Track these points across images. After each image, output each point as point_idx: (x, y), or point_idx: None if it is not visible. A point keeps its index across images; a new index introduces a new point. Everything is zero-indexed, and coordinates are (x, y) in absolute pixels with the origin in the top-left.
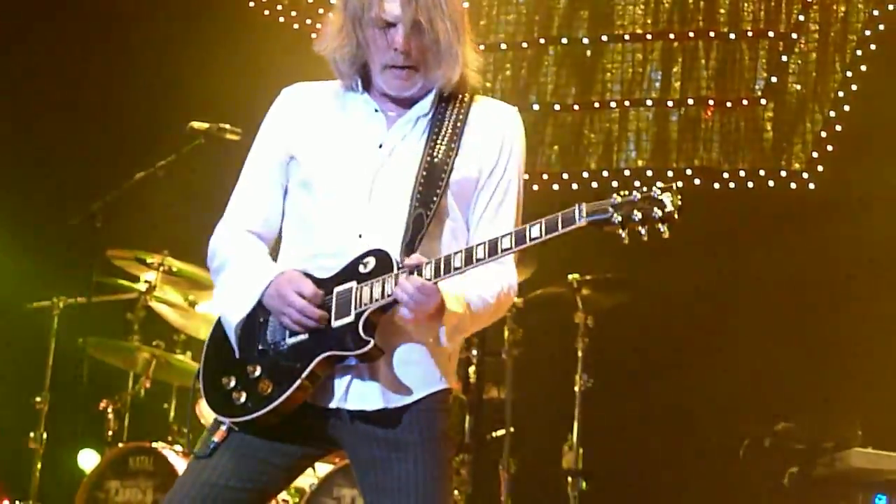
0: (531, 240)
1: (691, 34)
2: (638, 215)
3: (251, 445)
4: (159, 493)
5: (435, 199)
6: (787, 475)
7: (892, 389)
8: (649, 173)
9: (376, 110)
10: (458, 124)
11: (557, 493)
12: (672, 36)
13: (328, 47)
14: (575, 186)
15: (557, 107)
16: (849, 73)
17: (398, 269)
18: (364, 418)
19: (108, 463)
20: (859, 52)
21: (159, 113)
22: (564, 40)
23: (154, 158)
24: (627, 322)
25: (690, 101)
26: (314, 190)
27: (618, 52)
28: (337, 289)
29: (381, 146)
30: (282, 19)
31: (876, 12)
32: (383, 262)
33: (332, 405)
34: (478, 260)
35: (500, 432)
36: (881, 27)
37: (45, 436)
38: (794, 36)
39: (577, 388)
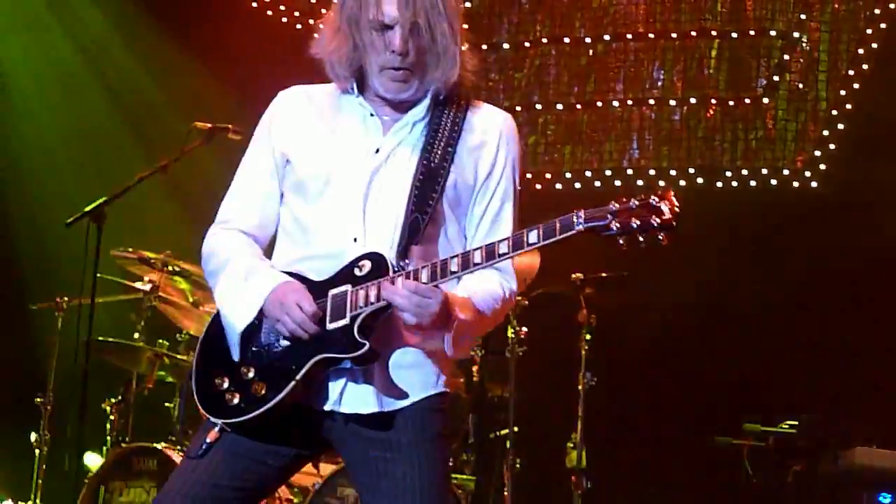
0: (528, 245)
1: (693, 33)
2: (636, 223)
3: (244, 446)
4: None
5: (431, 203)
6: (791, 473)
7: None
8: (652, 172)
9: (372, 114)
10: (455, 129)
11: (561, 492)
12: (674, 35)
13: (324, 49)
14: (578, 185)
15: (560, 106)
16: (851, 72)
17: (394, 272)
18: (358, 420)
19: (111, 463)
20: (861, 51)
21: (162, 113)
22: (567, 39)
23: (157, 158)
24: (631, 321)
25: (693, 100)
26: (309, 193)
27: (620, 51)
28: (332, 292)
29: (377, 151)
30: (285, 19)
31: (878, 11)
32: (379, 266)
33: (327, 408)
34: (475, 264)
35: (504, 431)
36: (882, 26)
37: (48, 436)
38: (797, 35)
39: (580, 387)
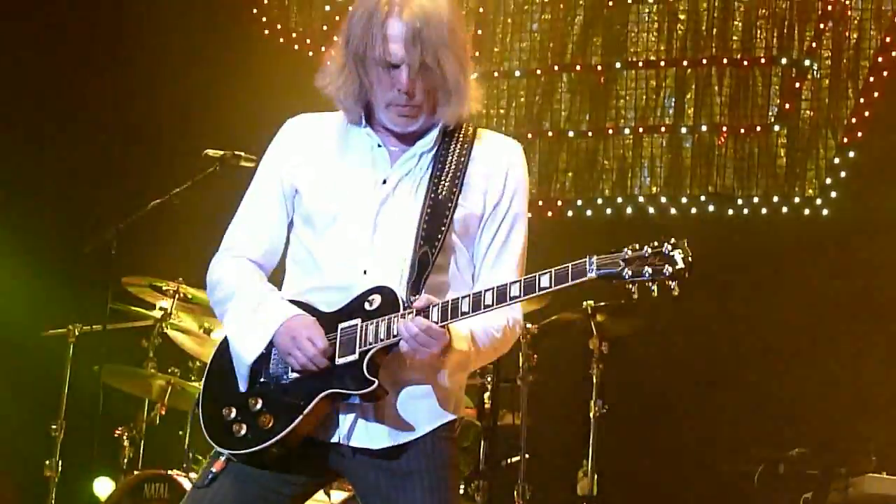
0: (540, 289)
1: (704, 61)
2: (648, 271)
3: (251, 475)
4: None
5: (440, 237)
6: (801, 501)
7: None
8: (663, 199)
9: (379, 145)
10: (462, 160)
11: None
12: (685, 63)
13: (330, 84)
14: (589, 213)
15: (571, 133)
16: (861, 100)
17: (405, 309)
18: (368, 452)
19: (123, 490)
20: (871, 79)
21: (174, 140)
22: (578, 67)
23: (169, 186)
24: (642, 348)
25: (704, 128)
26: (317, 224)
27: (631, 78)
28: (342, 325)
29: (384, 182)
30: (296, 47)
31: (888, 39)
32: (389, 301)
33: (335, 440)
34: (486, 306)
35: (516, 458)
36: (893, 54)
37: (60, 463)
38: (807, 63)
39: (592, 415)
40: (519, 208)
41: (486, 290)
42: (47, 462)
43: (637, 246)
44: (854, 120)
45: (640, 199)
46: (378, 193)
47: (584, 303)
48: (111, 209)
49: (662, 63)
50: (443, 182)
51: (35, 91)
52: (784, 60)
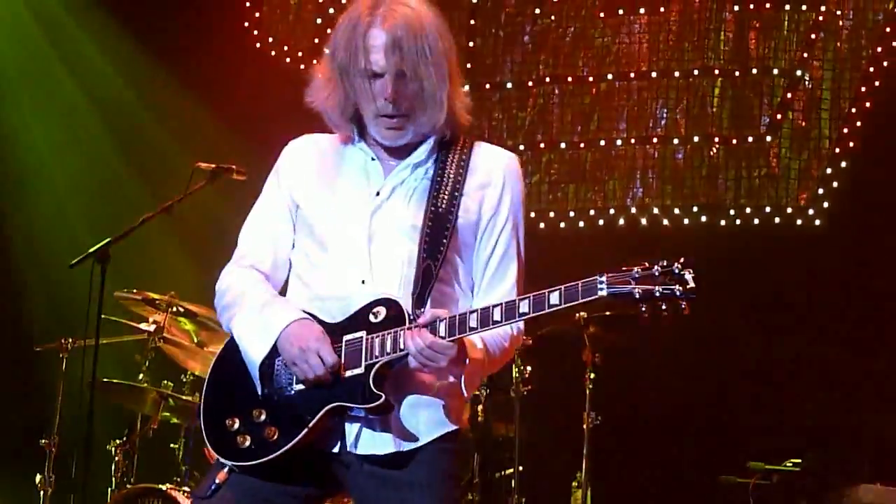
0: (549, 307)
1: (696, 72)
2: (658, 291)
3: (253, 486)
4: None
5: (441, 249)
6: None
7: None
8: (655, 210)
9: (373, 158)
10: (460, 172)
11: None
12: (677, 74)
13: (318, 98)
14: (581, 224)
15: (563, 145)
16: (854, 110)
17: (410, 322)
18: (373, 461)
19: None
20: (864, 89)
21: (165, 153)
22: (570, 79)
23: (160, 199)
24: (635, 360)
25: (696, 139)
26: (317, 238)
27: (623, 90)
28: (346, 337)
29: (377, 193)
30: (288, 59)
31: (880, 49)
32: (394, 314)
33: (339, 449)
34: (494, 322)
35: (509, 470)
36: (885, 64)
37: (53, 477)
38: (799, 73)
39: (585, 426)
40: (517, 219)
41: (494, 306)
42: (39, 476)
43: (647, 264)
44: (846, 130)
45: (633, 210)
46: (371, 204)
47: (577, 315)
48: (103, 222)
49: (654, 74)
50: (442, 194)
51: (30, 105)
52: (776, 71)
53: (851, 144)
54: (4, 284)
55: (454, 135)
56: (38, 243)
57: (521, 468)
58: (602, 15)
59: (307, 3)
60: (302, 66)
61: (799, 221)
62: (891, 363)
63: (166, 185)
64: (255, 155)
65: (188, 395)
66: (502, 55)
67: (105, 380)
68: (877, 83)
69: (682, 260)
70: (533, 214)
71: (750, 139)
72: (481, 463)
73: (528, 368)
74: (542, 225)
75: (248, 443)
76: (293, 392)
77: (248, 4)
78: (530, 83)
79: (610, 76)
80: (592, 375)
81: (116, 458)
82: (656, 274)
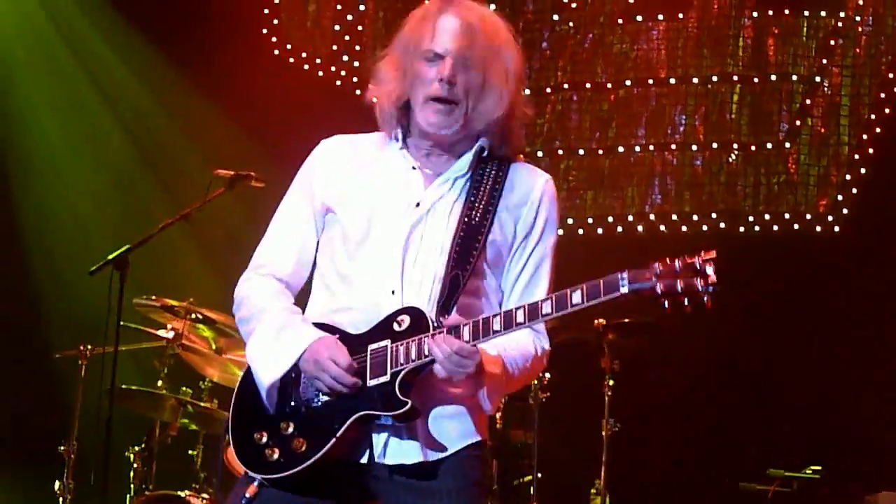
0: (572, 306)
1: (715, 78)
2: (680, 285)
3: (284, 499)
4: None
5: (471, 260)
6: None
7: None
8: (674, 217)
9: (414, 167)
10: (496, 187)
11: None
12: (696, 80)
13: (376, 89)
14: (600, 231)
15: (582, 151)
16: (872, 116)
17: (434, 328)
18: (402, 471)
19: None
20: (882, 95)
21: (184, 160)
22: (588, 85)
23: (179, 206)
24: (653, 366)
25: (715, 145)
26: (349, 244)
27: (642, 96)
28: (371, 346)
29: (418, 204)
30: (307, 66)
31: None
32: (418, 322)
33: (368, 460)
34: (517, 324)
35: (528, 477)
36: None
37: (71, 484)
38: (818, 79)
39: (604, 433)
40: (549, 242)
41: (517, 308)
42: (58, 483)
43: (668, 260)
44: (865, 137)
45: (652, 216)
46: (411, 215)
47: (596, 321)
48: (122, 229)
49: (673, 81)
50: (476, 207)
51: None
52: (795, 77)
53: (871, 151)
54: (23, 291)
55: (497, 149)
56: (57, 250)
57: (539, 475)
58: (620, 21)
59: (325, 10)
60: (320, 73)
61: (818, 228)
62: None
63: (185, 191)
64: (274, 162)
65: (206, 401)
66: None
67: (124, 386)
68: None
69: (703, 254)
70: None
71: (769, 145)
72: (500, 470)
73: (547, 376)
74: (560, 231)
75: (276, 455)
76: (320, 403)
77: (266, 11)
78: (549, 89)
79: (628, 82)
80: (611, 382)
81: (135, 465)
82: (678, 269)
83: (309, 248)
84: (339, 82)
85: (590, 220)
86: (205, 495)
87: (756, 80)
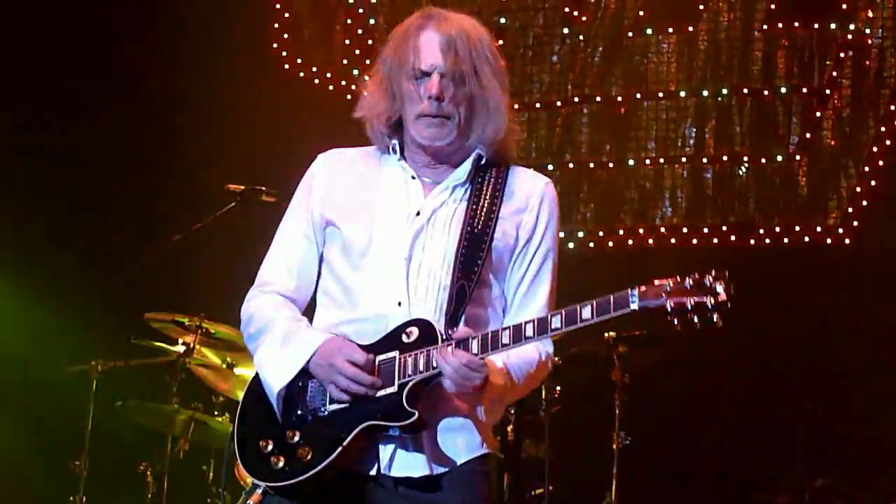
0: (582, 321)
1: (725, 91)
2: (691, 303)
3: None
4: None
5: (476, 269)
6: None
7: None
8: (685, 230)
9: (413, 177)
10: (497, 194)
11: None
12: (706, 93)
13: (365, 107)
14: (610, 244)
15: (592, 164)
16: (882, 129)
17: (443, 341)
18: (407, 484)
19: None
20: (892, 107)
21: (195, 175)
22: (598, 98)
23: (190, 221)
24: (664, 379)
25: (725, 158)
26: (352, 256)
27: (652, 109)
28: (379, 357)
29: (418, 213)
30: (316, 81)
31: None
32: (427, 333)
33: (375, 472)
34: (527, 338)
35: (539, 491)
36: None
37: (84, 499)
38: (828, 92)
39: (614, 446)
40: (550, 244)
41: (526, 323)
42: (71, 499)
43: (679, 277)
44: (875, 149)
45: (662, 229)
46: (412, 225)
47: (606, 334)
48: (133, 244)
49: (683, 93)
50: (478, 216)
51: (60, 129)
52: (805, 90)
53: (881, 163)
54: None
55: (494, 157)
56: (68, 264)
57: (550, 488)
58: (630, 34)
59: (335, 24)
60: (330, 87)
61: (829, 240)
62: None
63: (196, 206)
64: (285, 175)
65: (218, 416)
66: (531, 75)
67: (135, 402)
68: None
69: (713, 272)
70: (562, 234)
71: (779, 158)
72: (511, 483)
73: (558, 388)
74: (571, 245)
75: (281, 464)
76: (327, 413)
77: (276, 26)
78: (559, 103)
79: (638, 95)
80: (622, 395)
81: (147, 480)
82: (688, 287)
83: (312, 263)
84: (349, 96)
85: (600, 234)
86: None
87: (766, 92)
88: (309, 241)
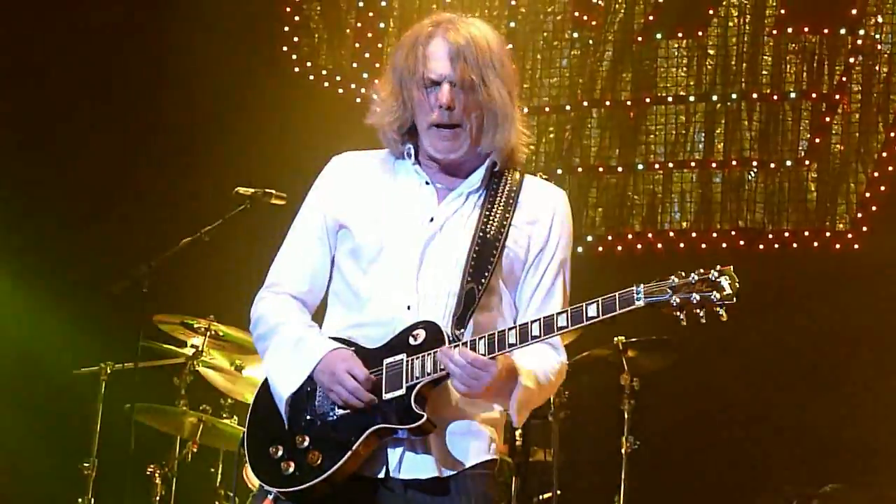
0: (588, 319)
1: (734, 95)
2: (696, 297)
3: None
4: None
5: (486, 274)
6: None
7: None
8: (694, 234)
9: (427, 182)
10: (510, 202)
11: None
12: (715, 97)
13: (377, 114)
14: (619, 248)
15: (601, 169)
16: (892, 134)
17: (450, 342)
18: (416, 487)
19: None
20: None
21: (205, 178)
22: (608, 102)
23: (200, 223)
24: (673, 384)
25: (734, 163)
26: (363, 260)
27: (661, 113)
28: (387, 360)
29: (431, 220)
30: (326, 84)
31: None
32: (434, 335)
33: (384, 475)
34: (533, 337)
35: (547, 495)
36: None
37: (92, 501)
38: (837, 97)
39: (623, 451)
40: (563, 256)
41: (532, 322)
42: (80, 500)
43: (683, 273)
44: (885, 154)
45: (671, 234)
46: (425, 231)
47: (615, 338)
48: (143, 247)
49: (692, 98)
50: (491, 222)
51: (68, 131)
52: (814, 95)
53: (890, 168)
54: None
55: (508, 165)
56: (77, 267)
57: (559, 493)
58: (640, 39)
59: (345, 27)
60: (341, 91)
61: (838, 246)
62: None
63: (206, 209)
64: (296, 178)
65: (227, 419)
66: (539, 79)
67: (144, 404)
68: None
69: (718, 267)
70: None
71: (788, 163)
72: (520, 488)
73: (566, 393)
74: (579, 249)
75: (292, 469)
76: (335, 417)
77: (286, 29)
78: (568, 107)
79: (648, 100)
80: (630, 400)
81: (156, 483)
82: (693, 282)
83: (323, 266)
84: (358, 100)
85: (609, 238)
86: None
87: (775, 97)
88: (321, 243)
